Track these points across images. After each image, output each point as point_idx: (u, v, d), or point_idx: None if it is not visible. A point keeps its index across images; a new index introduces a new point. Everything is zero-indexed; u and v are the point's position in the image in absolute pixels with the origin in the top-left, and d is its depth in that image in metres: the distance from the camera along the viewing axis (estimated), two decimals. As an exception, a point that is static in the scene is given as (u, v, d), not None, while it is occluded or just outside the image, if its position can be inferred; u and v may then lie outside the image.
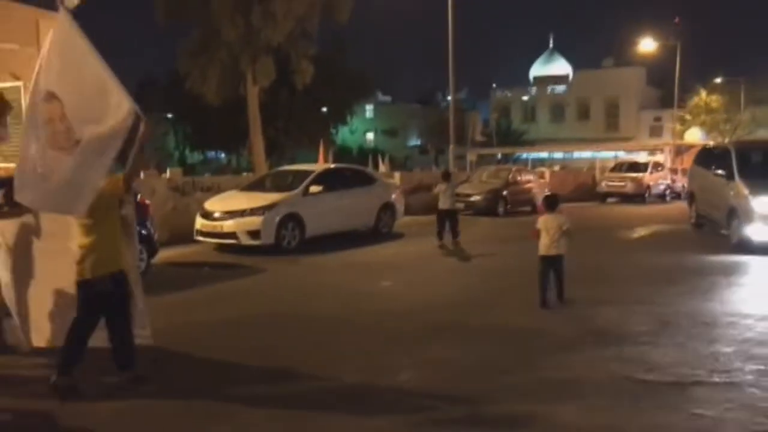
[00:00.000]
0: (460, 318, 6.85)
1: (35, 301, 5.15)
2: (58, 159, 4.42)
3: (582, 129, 59.51)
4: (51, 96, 4.40)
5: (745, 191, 10.88)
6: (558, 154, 51.62)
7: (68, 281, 4.86)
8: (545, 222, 7.24)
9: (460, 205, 18.11)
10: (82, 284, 4.70)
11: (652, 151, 43.52)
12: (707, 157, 14.01)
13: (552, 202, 7.45)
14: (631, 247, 12.61)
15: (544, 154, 51.38)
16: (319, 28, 27.04)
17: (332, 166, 14.95)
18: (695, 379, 4.82)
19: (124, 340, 4.83)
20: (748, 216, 10.69)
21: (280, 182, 12.74)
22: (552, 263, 7.23)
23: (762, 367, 5.05)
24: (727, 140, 45.54)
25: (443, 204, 12.24)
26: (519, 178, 19.99)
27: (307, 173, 12.50)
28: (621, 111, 59.89)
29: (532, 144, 57.28)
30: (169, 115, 48.62)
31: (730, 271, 9.42)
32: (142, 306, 5.03)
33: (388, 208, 13.71)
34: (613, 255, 11.19)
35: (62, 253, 4.83)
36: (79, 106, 4.39)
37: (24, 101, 10.55)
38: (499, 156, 50.10)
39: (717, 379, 4.84)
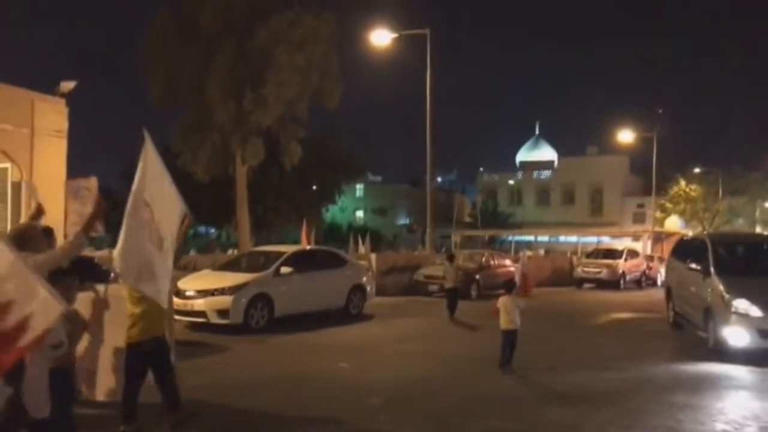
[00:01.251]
0: (411, 394, 7.20)
1: (101, 359, 6.28)
2: (152, 253, 5.36)
3: (567, 213, 60.81)
4: (146, 204, 5.39)
5: (721, 288, 9.79)
6: (543, 238, 52.55)
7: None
8: (504, 303, 8.61)
9: (433, 287, 18.65)
10: (131, 346, 5.72)
11: (636, 238, 44.51)
12: (684, 249, 12.96)
13: (510, 287, 9.29)
14: (587, 337, 12.92)
15: (529, 237, 52.27)
16: (310, 111, 28.31)
17: (305, 247, 15.50)
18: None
19: (172, 387, 5.86)
20: (723, 317, 9.58)
21: (253, 262, 13.23)
22: (509, 335, 8.60)
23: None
24: (705, 230, 46.80)
25: (448, 283, 14.51)
26: (492, 262, 20.54)
27: (279, 254, 13.01)
28: (605, 197, 61.41)
29: (518, 227, 58.34)
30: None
31: (689, 386, 8.02)
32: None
33: (358, 289, 14.15)
34: (568, 341, 11.59)
35: (120, 323, 5.89)
36: (161, 211, 5.44)
37: (9, 183, 11.16)
38: (486, 238, 51.00)
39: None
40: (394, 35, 21.26)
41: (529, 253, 40.48)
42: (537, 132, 68.77)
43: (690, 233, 42.93)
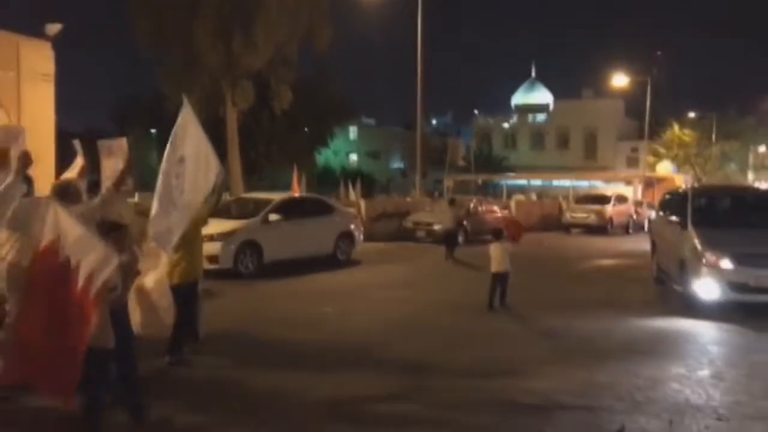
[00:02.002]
0: (385, 342, 7.53)
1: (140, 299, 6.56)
2: (169, 208, 6.03)
3: (561, 157, 60.79)
4: (182, 159, 6.01)
5: (695, 241, 9.62)
6: (537, 182, 52.68)
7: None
8: (494, 248, 9.76)
9: (421, 233, 18.94)
10: (173, 288, 6.47)
11: (628, 182, 44.76)
12: (668, 203, 12.86)
13: (497, 233, 10.28)
14: (565, 285, 13.22)
15: (522, 182, 52.44)
16: (302, 54, 27.94)
17: (293, 195, 15.68)
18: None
19: (181, 332, 6.55)
20: (696, 270, 9.41)
21: (242, 209, 13.42)
22: (498, 278, 9.62)
23: None
24: (696, 174, 47.06)
25: (448, 224, 15.26)
26: (481, 208, 20.79)
27: (267, 201, 13.21)
28: (599, 141, 61.30)
29: (512, 170, 58.41)
30: (153, 131, 49.30)
31: (646, 345, 7.68)
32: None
33: (346, 236, 14.43)
34: (547, 288, 11.94)
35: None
36: (195, 169, 6.05)
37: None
38: (480, 182, 51.15)
39: None
40: (385, -23, 20.78)
41: (521, 196, 40.97)
42: (533, 74, 68.05)
43: (681, 177, 43.53)
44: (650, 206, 26.59)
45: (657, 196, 30.65)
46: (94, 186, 6.67)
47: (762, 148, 49.72)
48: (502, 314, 9.41)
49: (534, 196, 42.44)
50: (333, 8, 27.08)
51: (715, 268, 9.22)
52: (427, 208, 21.22)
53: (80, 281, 4.00)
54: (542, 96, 66.29)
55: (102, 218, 5.06)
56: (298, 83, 29.19)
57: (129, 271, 4.90)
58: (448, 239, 16.15)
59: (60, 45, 17.03)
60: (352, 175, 57.20)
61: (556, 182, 50.96)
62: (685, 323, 8.90)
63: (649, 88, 38.96)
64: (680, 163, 48.51)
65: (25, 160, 5.29)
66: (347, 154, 67.29)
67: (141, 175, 46.79)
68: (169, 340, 6.46)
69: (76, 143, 7.99)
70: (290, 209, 13.28)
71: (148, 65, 51.48)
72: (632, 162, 57.89)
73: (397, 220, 19.91)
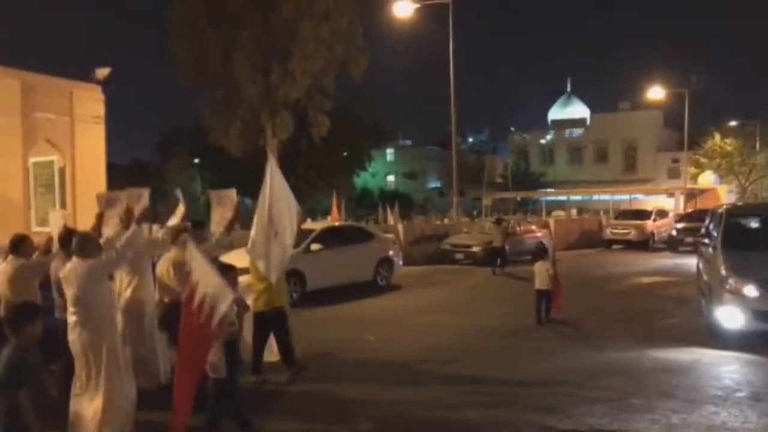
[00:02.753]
0: (430, 364, 7.83)
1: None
2: (269, 242, 7.10)
3: (600, 171, 60.14)
4: (271, 206, 7.04)
5: (720, 264, 9.00)
6: (576, 197, 52.21)
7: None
8: (538, 267, 10.58)
9: (460, 255, 19.19)
10: (256, 314, 7.28)
11: (670, 194, 44.08)
12: (710, 222, 11.87)
13: (541, 253, 11.25)
14: (597, 306, 13.29)
15: (562, 197, 52.04)
16: (338, 80, 28.67)
17: (333, 224, 16.12)
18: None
19: (288, 347, 7.48)
20: (718, 295, 8.78)
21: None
22: (543, 294, 10.42)
23: None
24: (741, 184, 45.99)
25: (497, 243, 16.11)
26: (519, 228, 20.90)
27: (309, 232, 13.67)
28: (639, 153, 60.48)
29: (550, 186, 58.02)
30: (196, 161, 50.75)
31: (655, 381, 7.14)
32: None
33: (385, 261, 14.80)
34: (580, 308, 12.02)
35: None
36: (280, 212, 7.11)
37: (56, 174, 12.01)
38: (519, 199, 50.96)
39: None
40: (416, 5, 21.32)
41: (560, 213, 40.70)
42: (569, 89, 67.67)
43: (724, 188, 42.62)
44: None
45: (699, 207, 30.20)
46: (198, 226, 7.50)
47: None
48: (545, 332, 9.62)
49: (574, 212, 42.16)
50: (367, 33, 27.83)
51: (738, 295, 8.52)
52: (465, 230, 21.43)
53: (203, 314, 4.72)
54: (579, 110, 65.85)
55: (215, 259, 6.09)
56: (335, 109, 29.89)
57: (241, 307, 5.75)
58: (496, 256, 17.61)
59: (108, 84, 17.99)
60: (390, 197, 57.77)
61: (596, 196, 50.47)
62: (700, 353, 8.30)
63: (687, 98, 38.50)
64: (723, 174, 47.49)
65: (142, 215, 6.36)
66: (385, 176, 67.90)
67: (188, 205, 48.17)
68: (252, 362, 7.31)
69: (178, 192, 8.75)
70: (331, 238, 13.72)
71: (191, 98, 53.13)
72: (674, 173, 56.90)
73: (435, 243, 20.18)
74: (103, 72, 17.48)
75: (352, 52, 27.21)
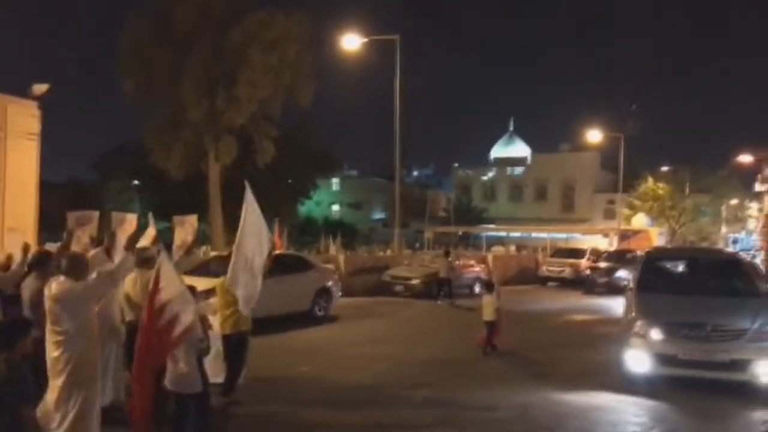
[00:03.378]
0: (362, 397, 7.78)
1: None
2: (246, 274, 7.27)
3: (539, 209, 61.85)
4: (242, 240, 7.30)
5: (632, 307, 8.95)
6: (516, 234, 53.40)
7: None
8: (486, 300, 11.15)
9: (400, 288, 19.29)
10: (224, 337, 7.46)
11: (605, 234, 45.63)
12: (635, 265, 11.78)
13: (489, 286, 11.69)
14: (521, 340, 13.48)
15: (502, 233, 53.11)
16: (285, 107, 28.69)
17: (274, 252, 15.94)
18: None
19: (237, 375, 7.64)
20: (625, 338, 8.66)
21: (221, 267, 13.64)
22: (491, 325, 10.91)
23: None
24: (672, 228, 48.04)
25: (442, 274, 16.77)
26: (457, 262, 21.18)
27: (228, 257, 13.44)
28: (576, 193, 62.55)
29: (491, 222, 59.18)
30: (136, 182, 49.54)
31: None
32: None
33: (324, 292, 14.70)
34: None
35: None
36: (255, 243, 7.32)
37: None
38: (460, 233, 51.71)
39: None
40: (365, 40, 21.65)
41: (500, 248, 41.49)
42: (511, 128, 69.67)
43: (655, 230, 44.43)
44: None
45: (632, 248, 31.36)
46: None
47: (734, 201, 50.95)
48: (478, 365, 9.71)
49: (513, 248, 43.06)
50: (315, 63, 28.04)
51: (644, 338, 8.34)
52: (406, 262, 21.58)
53: (164, 319, 5.03)
54: (520, 149, 67.81)
55: None
56: (281, 137, 29.86)
57: (205, 324, 6.02)
58: (441, 286, 18.72)
59: (47, 102, 17.45)
60: (334, 226, 57.65)
61: (534, 234, 51.81)
62: (605, 398, 8.09)
63: (622, 142, 40.19)
64: (655, 216, 49.52)
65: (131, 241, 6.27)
66: (330, 205, 67.83)
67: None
68: (224, 382, 7.48)
69: (150, 216, 8.72)
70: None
71: (133, 119, 52.05)
72: (609, 214, 59.00)
73: (376, 274, 20.21)
74: (40, 88, 16.92)
75: (299, 80, 27.36)
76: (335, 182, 67.41)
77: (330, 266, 16.37)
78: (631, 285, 10.12)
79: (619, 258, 25.61)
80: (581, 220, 58.38)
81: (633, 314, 8.70)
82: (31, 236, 16.68)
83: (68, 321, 5.12)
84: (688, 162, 48.96)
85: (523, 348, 11.71)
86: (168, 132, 27.13)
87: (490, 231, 52.18)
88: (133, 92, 26.40)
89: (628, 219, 48.87)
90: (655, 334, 8.31)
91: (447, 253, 19.79)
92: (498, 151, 68.97)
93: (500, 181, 66.16)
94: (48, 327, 5.17)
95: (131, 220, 7.29)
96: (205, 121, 26.47)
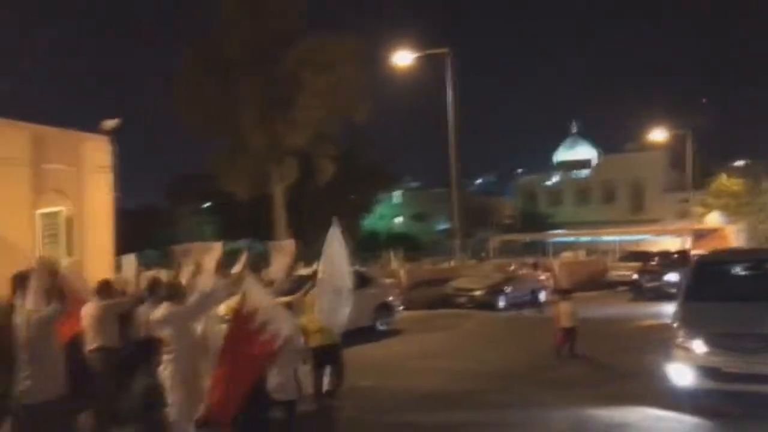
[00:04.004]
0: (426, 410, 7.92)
1: None
2: (335, 297, 7.82)
3: (608, 212, 60.21)
4: (332, 271, 7.84)
5: (676, 316, 8.49)
6: (585, 238, 52.13)
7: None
8: (563, 306, 11.57)
9: (462, 299, 19.29)
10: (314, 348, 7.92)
11: (679, 234, 43.97)
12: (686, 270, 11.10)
13: (566, 293, 12.28)
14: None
15: (570, 239, 51.96)
16: (343, 124, 29.21)
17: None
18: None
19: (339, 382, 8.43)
20: (669, 350, 8.19)
21: (286, 285, 14.07)
22: (569, 331, 11.33)
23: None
24: (752, 223, 45.81)
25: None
26: (521, 272, 20.99)
27: (308, 278, 13.83)
28: (646, 193, 60.63)
29: (558, 227, 58.02)
30: (205, 205, 51.39)
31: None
32: None
33: (384, 307, 14.92)
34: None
35: None
36: (341, 270, 7.89)
37: (63, 224, 12.34)
38: (528, 240, 50.85)
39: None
40: (416, 55, 21.91)
41: (568, 254, 40.71)
42: (574, 131, 68.31)
43: (732, 228, 42.49)
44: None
45: (707, 248, 30.08)
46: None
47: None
48: (536, 379, 9.66)
49: (582, 253, 42.14)
50: (370, 80, 28.46)
51: (686, 350, 7.88)
52: (468, 274, 21.56)
53: (265, 335, 5.60)
54: (584, 152, 66.37)
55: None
56: (340, 154, 30.40)
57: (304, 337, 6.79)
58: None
59: (118, 133, 18.50)
60: (397, 239, 57.92)
61: (604, 238, 50.42)
62: (645, 413, 7.85)
63: (689, 139, 38.83)
64: (731, 213, 47.36)
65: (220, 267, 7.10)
66: (392, 218, 68.21)
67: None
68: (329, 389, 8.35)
69: (244, 243, 9.63)
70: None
71: (200, 144, 53.98)
72: (682, 213, 56.90)
73: (437, 287, 20.27)
74: (111, 123, 18.01)
75: (355, 100, 27.75)
76: (397, 195, 67.75)
77: (390, 280, 16.58)
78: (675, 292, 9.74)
79: (670, 260, 24.75)
80: (652, 221, 56.46)
81: (675, 324, 8.30)
82: (109, 262, 17.76)
83: (175, 341, 5.81)
84: (765, 155, 46.73)
85: (584, 356, 11.56)
86: (231, 158, 28.06)
87: (556, 237, 51.18)
88: (192, 123, 27.37)
89: (701, 218, 46.97)
90: (698, 346, 7.80)
91: (535, 266, 19.73)
92: (561, 155, 67.73)
93: (565, 185, 64.91)
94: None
95: (217, 248, 7.69)
96: (266, 145, 27.23)
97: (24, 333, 5.17)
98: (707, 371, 7.68)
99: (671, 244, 39.91)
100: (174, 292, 6.18)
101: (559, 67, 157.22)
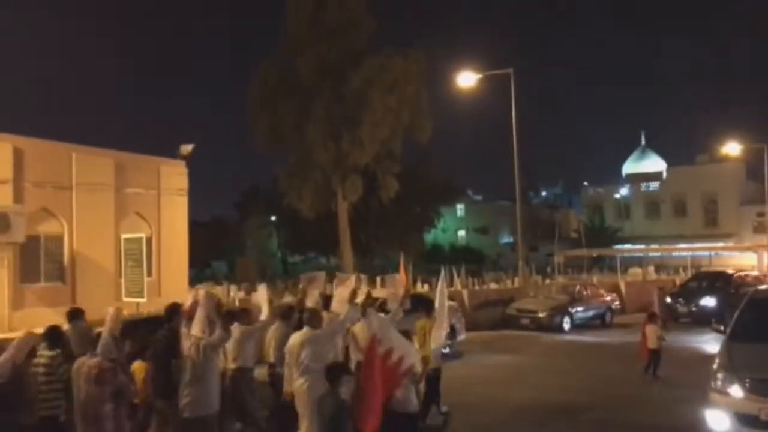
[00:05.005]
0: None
1: None
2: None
3: (679, 226, 58.33)
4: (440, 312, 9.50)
5: (716, 357, 8.02)
6: (655, 253, 50.54)
7: None
8: (649, 329, 12.26)
9: (525, 321, 19.21)
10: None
11: (755, 250, 42.10)
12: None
13: (653, 317, 12.73)
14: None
15: (639, 254, 50.49)
16: (405, 140, 29.62)
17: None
18: None
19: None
20: (707, 393, 7.76)
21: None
22: (654, 353, 12.09)
23: None
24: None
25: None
26: (586, 292, 20.73)
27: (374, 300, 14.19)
28: (720, 207, 58.43)
29: (627, 242, 56.51)
30: (273, 218, 52.79)
31: None
32: None
33: (449, 330, 15.05)
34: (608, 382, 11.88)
35: None
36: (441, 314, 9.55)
37: (144, 250, 13.19)
38: (595, 255, 49.64)
39: None
40: (479, 76, 22.08)
41: (637, 270, 39.60)
42: (643, 142, 66.52)
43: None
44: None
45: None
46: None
47: None
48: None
49: (651, 269, 40.88)
50: (432, 97, 28.82)
51: (723, 394, 7.44)
52: (531, 294, 21.44)
53: (393, 360, 6.35)
54: (654, 164, 64.47)
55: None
56: (403, 170, 30.80)
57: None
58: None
59: (192, 160, 19.46)
60: (460, 252, 57.68)
61: (675, 253, 48.74)
62: None
63: (767, 151, 37.25)
64: (814, 228, 45.05)
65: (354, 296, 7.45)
66: (455, 231, 68.14)
67: (263, 261, 49.75)
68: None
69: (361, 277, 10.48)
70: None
71: (268, 160, 55.44)
72: (759, 228, 54.46)
73: (501, 307, 20.24)
74: (187, 148, 19.02)
75: (418, 118, 28.20)
76: (460, 208, 67.66)
77: (454, 303, 16.72)
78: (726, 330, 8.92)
79: (708, 282, 22.61)
80: (727, 236, 54.32)
81: (715, 365, 7.85)
82: (183, 281, 18.69)
83: (314, 362, 6.28)
84: None
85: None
86: (298, 174, 28.94)
87: (624, 253, 49.75)
88: (263, 139, 28.54)
89: (781, 233, 44.87)
90: (736, 391, 7.35)
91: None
92: (630, 167, 65.99)
93: (634, 198, 63.20)
94: (295, 372, 6.47)
95: (352, 278, 8.51)
96: (331, 162, 27.96)
97: (191, 356, 6.05)
98: (745, 418, 7.25)
99: (747, 260, 38.32)
100: (312, 318, 6.78)
101: (627, 77, 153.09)
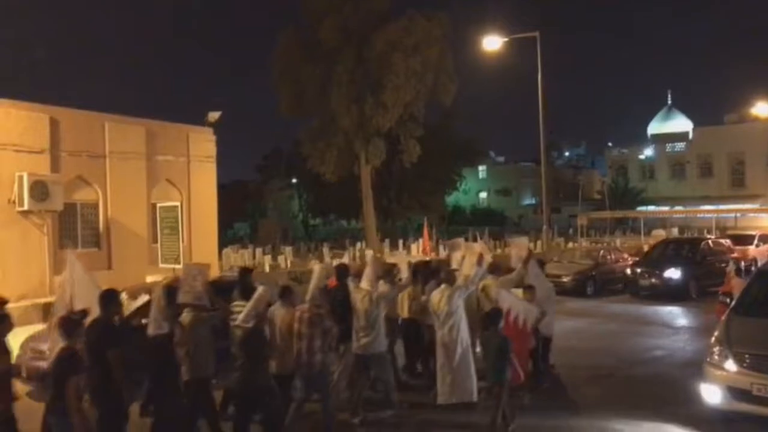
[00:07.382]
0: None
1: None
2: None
3: (705, 187, 57.73)
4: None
5: (719, 332, 7.82)
6: (680, 215, 50.18)
7: None
8: (738, 283, 10.75)
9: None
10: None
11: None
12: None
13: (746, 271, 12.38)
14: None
15: (663, 215, 50.19)
16: (428, 102, 29.51)
17: (425, 259, 16.86)
18: None
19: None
20: (705, 368, 7.62)
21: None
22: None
23: None
24: None
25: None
26: (610, 257, 20.81)
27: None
28: (747, 167, 57.56)
29: (651, 203, 56.15)
30: (294, 180, 53.16)
31: None
32: None
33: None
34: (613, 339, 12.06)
35: None
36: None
37: (181, 218, 13.51)
38: (620, 217, 49.44)
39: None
40: (505, 39, 21.80)
41: (661, 231, 39.37)
42: (669, 102, 65.41)
43: None
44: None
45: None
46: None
47: None
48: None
49: (675, 231, 40.65)
50: (457, 60, 28.51)
51: (717, 368, 7.38)
52: (555, 259, 21.56)
53: (519, 322, 7.99)
54: (680, 124, 63.46)
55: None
56: (425, 133, 30.75)
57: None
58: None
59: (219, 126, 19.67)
60: (482, 214, 57.70)
61: (700, 215, 48.30)
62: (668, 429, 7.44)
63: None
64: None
65: (481, 259, 8.42)
66: (477, 193, 68.07)
67: (284, 224, 50.09)
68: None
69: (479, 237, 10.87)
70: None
71: (291, 124, 55.29)
72: (788, 189, 53.74)
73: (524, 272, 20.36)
74: (214, 115, 19.22)
75: (442, 80, 28.01)
76: (482, 170, 67.45)
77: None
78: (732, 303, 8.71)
79: (674, 250, 20.70)
80: (753, 197, 53.64)
81: (713, 339, 7.76)
82: (213, 244, 19.13)
83: (454, 312, 7.65)
84: None
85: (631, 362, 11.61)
86: (321, 139, 29.03)
87: (647, 215, 49.41)
88: (287, 104, 28.60)
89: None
90: (730, 365, 7.26)
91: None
92: (656, 127, 65.10)
93: (659, 159, 62.42)
94: (437, 321, 7.77)
95: (477, 246, 9.73)
96: (354, 126, 27.99)
97: (363, 305, 7.41)
98: (738, 392, 7.16)
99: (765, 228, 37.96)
100: (448, 277, 8.15)
101: (654, 37, 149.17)
